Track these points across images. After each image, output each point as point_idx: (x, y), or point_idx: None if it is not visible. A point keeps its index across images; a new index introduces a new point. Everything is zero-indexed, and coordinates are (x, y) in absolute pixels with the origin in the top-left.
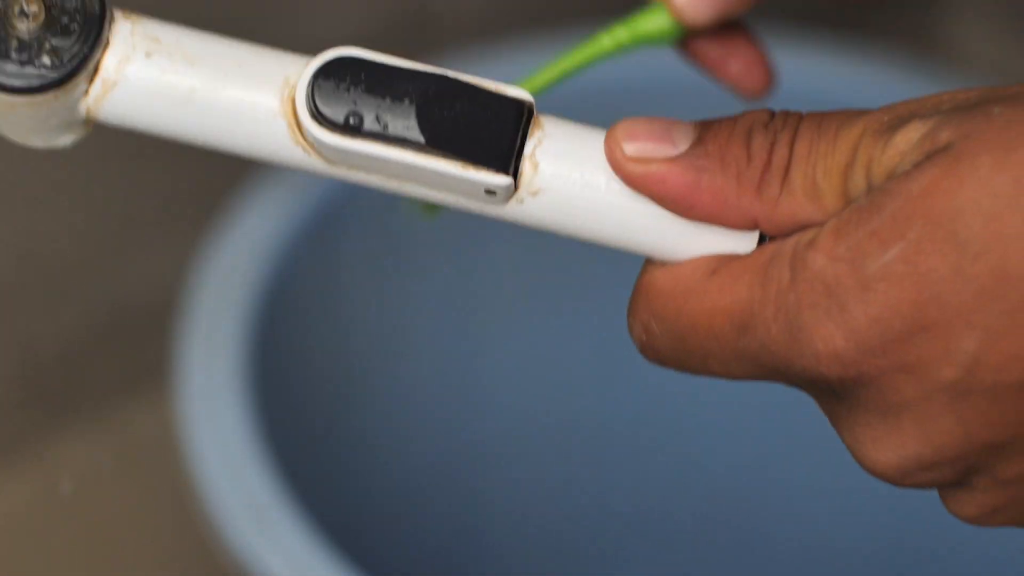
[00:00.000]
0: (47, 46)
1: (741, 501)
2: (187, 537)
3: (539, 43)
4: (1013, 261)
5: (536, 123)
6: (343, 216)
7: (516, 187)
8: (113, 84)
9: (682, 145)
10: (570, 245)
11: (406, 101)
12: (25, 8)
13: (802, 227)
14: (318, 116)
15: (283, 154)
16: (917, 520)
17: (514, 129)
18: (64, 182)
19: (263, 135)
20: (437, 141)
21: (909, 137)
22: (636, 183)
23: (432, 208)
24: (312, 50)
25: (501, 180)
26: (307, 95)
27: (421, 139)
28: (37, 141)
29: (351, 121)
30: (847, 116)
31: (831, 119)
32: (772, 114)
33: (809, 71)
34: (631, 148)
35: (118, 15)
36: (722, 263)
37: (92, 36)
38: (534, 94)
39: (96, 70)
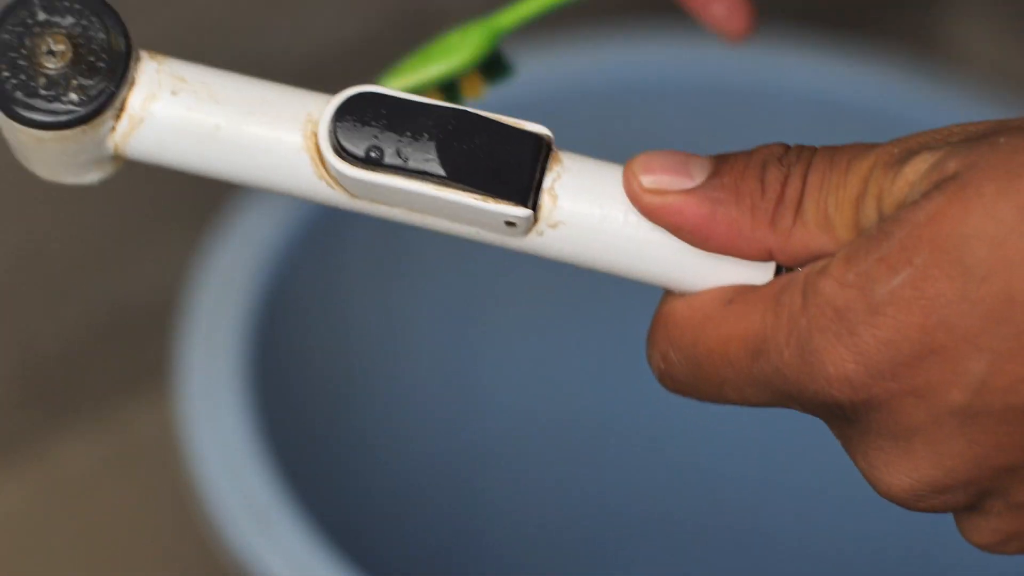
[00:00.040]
0: (74, 83)
1: (741, 501)
2: (187, 537)
3: (539, 43)
4: (1018, 285)
5: (555, 158)
6: (343, 216)
7: (536, 219)
8: (140, 121)
9: (698, 178)
10: None
11: (426, 135)
12: (53, 47)
13: (815, 257)
14: (340, 150)
15: (307, 188)
16: (917, 520)
17: (533, 162)
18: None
19: (287, 170)
20: (458, 174)
21: (918, 168)
22: (653, 214)
23: None
24: (313, 51)
25: (521, 212)
26: (329, 130)
27: (442, 172)
28: (66, 177)
29: (372, 155)
30: (858, 149)
31: (843, 152)
32: (787, 148)
33: (809, 71)
34: (648, 180)
35: (144, 55)
36: (738, 293)
37: (119, 74)
38: (508, 29)
39: (123, 107)
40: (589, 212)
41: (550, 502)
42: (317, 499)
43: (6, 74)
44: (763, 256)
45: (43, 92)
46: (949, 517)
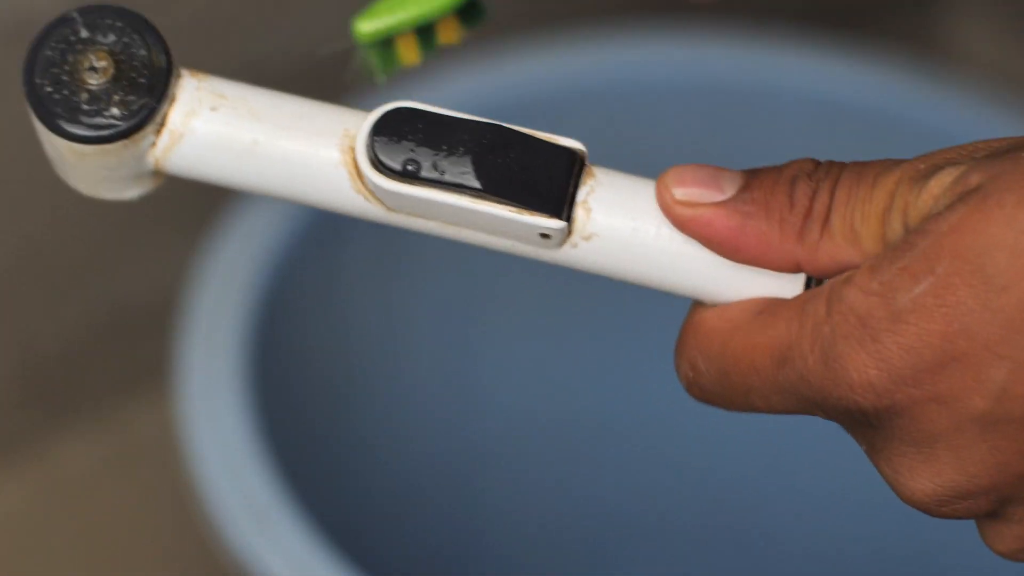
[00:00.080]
0: (116, 98)
1: (741, 501)
2: (187, 537)
3: (539, 43)
4: None
5: (588, 171)
6: (343, 216)
7: (570, 231)
8: (180, 136)
9: (729, 191)
10: None
11: (462, 149)
12: (95, 63)
13: (843, 270)
14: (378, 164)
15: (344, 202)
16: (917, 521)
17: (567, 175)
18: (64, 182)
19: (325, 184)
20: (493, 187)
21: (943, 181)
22: (685, 225)
23: (386, 66)
24: (313, 51)
25: (555, 224)
26: (367, 144)
27: (478, 185)
28: (106, 192)
29: (409, 168)
30: (886, 165)
31: (871, 168)
32: (817, 164)
33: (809, 71)
34: (680, 192)
35: (184, 72)
36: (766, 304)
37: (159, 89)
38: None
39: (163, 123)
40: (622, 224)
41: (550, 502)
42: (317, 499)
43: (49, 89)
44: (792, 268)
45: (86, 107)
46: (953, 520)
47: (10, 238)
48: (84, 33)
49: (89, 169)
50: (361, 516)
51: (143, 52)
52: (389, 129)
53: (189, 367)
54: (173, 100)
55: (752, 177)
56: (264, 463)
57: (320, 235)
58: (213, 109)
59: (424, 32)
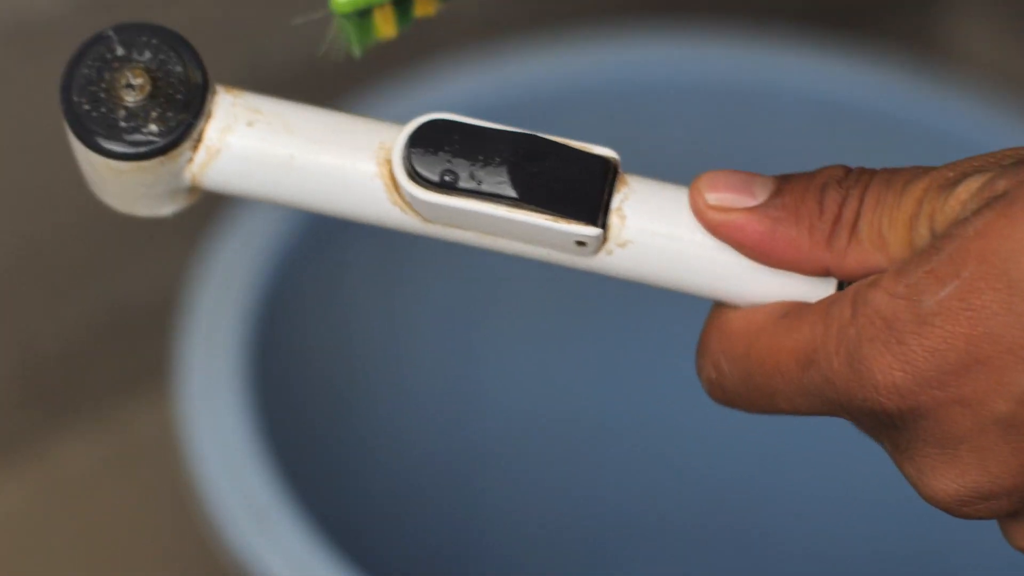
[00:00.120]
0: (153, 115)
1: (741, 502)
2: (187, 537)
3: (539, 43)
4: None
5: (622, 179)
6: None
7: (605, 238)
8: (217, 152)
9: (760, 196)
10: None
11: (497, 159)
12: (132, 81)
13: (870, 275)
14: (415, 176)
15: (381, 214)
16: (917, 521)
17: (601, 183)
18: (64, 182)
19: (361, 196)
20: (529, 196)
21: (970, 187)
22: (717, 230)
23: (362, 39)
24: (313, 50)
25: (591, 231)
26: (403, 156)
27: (514, 194)
28: (143, 209)
29: (447, 179)
30: (915, 172)
31: (900, 175)
32: (848, 170)
33: (809, 71)
34: (713, 197)
35: (220, 88)
36: (792, 307)
37: (196, 105)
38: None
39: (200, 138)
40: (656, 230)
41: (550, 502)
42: (317, 499)
43: (87, 107)
44: (821, 273)
45: (123, 124)
46: (952, 520)
47: (10, 238)
48: (120, 51)
49: (126, 186)
50: (361, 516)
51: (179, 68)
52: (425, 141)
53: (189, 367)
54: (209, 116)
55: (784, 183)
56: (264, 463)
57: (321, 235)
58: (249, 124)
59: (401, 4)
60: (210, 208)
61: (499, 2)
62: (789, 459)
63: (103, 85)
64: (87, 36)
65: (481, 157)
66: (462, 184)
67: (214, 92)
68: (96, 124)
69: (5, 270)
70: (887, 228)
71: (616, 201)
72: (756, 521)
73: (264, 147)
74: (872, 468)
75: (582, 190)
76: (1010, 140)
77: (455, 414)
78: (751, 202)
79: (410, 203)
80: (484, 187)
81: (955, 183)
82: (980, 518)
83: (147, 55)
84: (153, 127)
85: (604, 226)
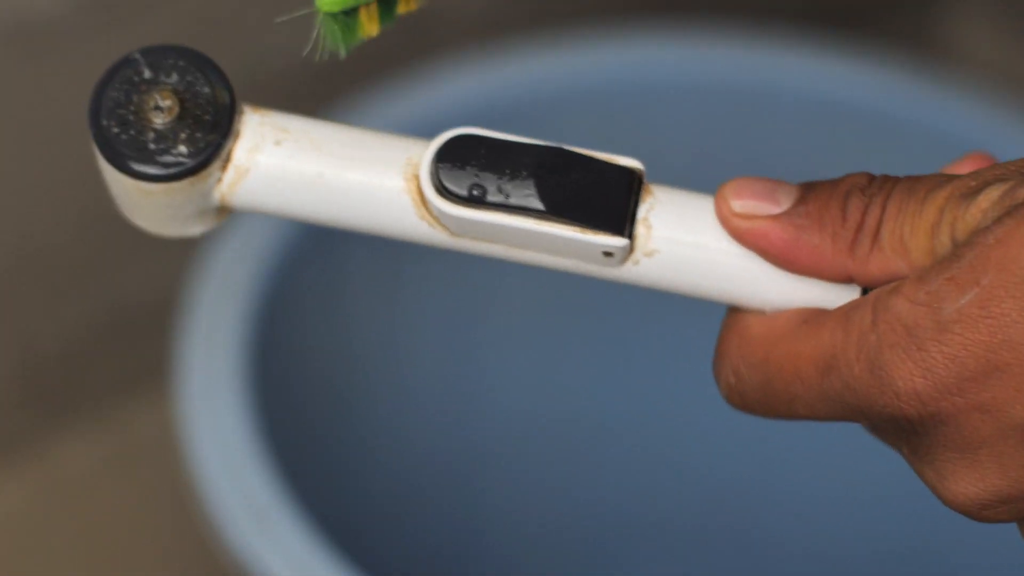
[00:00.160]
0: (182, 136)
1: (741, 502)
2: (187, 537)
3: (539, 43)
4: None
5: (647, 190)
6: None
7: (632, 248)
8: (245, 171)
9: (784, 204)
10: None
11: (524, 172)
12: (160, 103)
13: (892, 282)
14: (443, 190)
15: (409, 229)
16: (917, 521)
17: (627, 194)
18: (64, 182)
19: (389, 212)
20: (557, 208)
21: (991, 196)
22: (742, 237)
23: (347, 38)
24: (304, 54)
25: (618, 242)
26: (431, 172)
27: (541, 207)
28: (172, 230)
29: (475, 193)
30: (938, 181)
31: (922, 183)
32: (871, 178)
33: (809, 71)
34: (738, 205)
35: (247, 108)
36: (812, 313)
37: (224, 125)
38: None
39: (228, 158)
40: (682, 239)
41: (550, 502)
42: (317, 499)
43: (116, 130)
44: (844, 280)
45: (153, 146)
46: (952, 520)
47: (10, 238)
48: (147, 73)
49: (156, 207)
50: (361, 516)
51: (206, 89)
52: (452, 156)
53: (189, 367)
54: (238, 136)
55: (807, 191)
56: (264, 463)
57: (321, 234)
58: (277, 143)
59: (385, 2)
60: None
61: (499, 2)
62: (789, 459)
63: (131, 108)
64: (115, 59)
65: (508, 170)
66: (490, 198)
67: (241, 112)
68: (126, 147)
69: (5, 270)
70: (909, 236)
71: (642, 211)
72: (756, 521)
73: (292, 165)
74: (872, 468)
75: (608, 201)
76: (1010, 140)
77: (455, 414)
78: (775, 209)
79: (438, 218)
80: (512, 200)
81: (976, 192)
82: (1000, 521)
83: (174, 77)
84: (182, 148)
85: (631, 236)
